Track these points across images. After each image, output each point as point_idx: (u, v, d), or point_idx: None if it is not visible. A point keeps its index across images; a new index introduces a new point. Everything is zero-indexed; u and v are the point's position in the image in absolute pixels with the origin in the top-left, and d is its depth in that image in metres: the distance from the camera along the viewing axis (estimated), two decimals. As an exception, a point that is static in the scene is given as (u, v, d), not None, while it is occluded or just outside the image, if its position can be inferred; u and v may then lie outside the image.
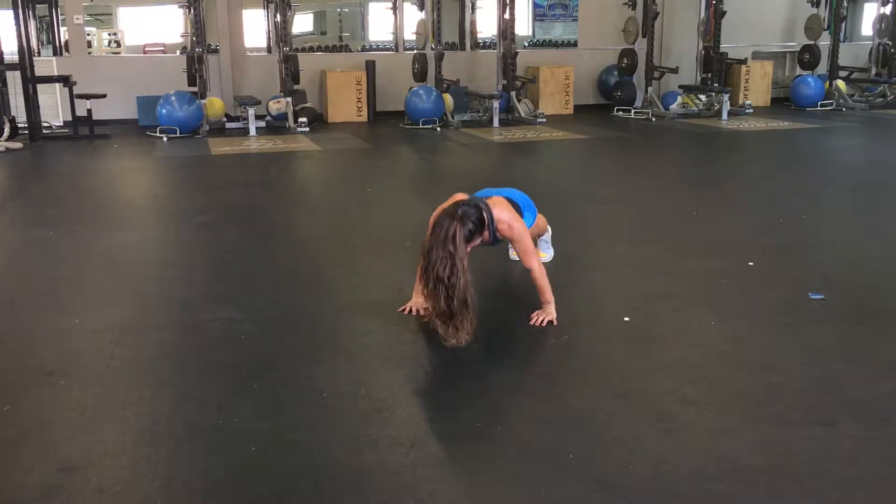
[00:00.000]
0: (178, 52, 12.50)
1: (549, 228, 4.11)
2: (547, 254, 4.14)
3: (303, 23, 16.68)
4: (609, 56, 12.33)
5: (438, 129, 10.25)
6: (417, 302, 3.47)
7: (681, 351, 3.12)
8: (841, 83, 12.38)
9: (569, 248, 4.38)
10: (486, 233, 3.23)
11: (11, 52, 9.37)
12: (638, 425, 2.52)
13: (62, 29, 11.78)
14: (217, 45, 11.16)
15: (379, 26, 15.34)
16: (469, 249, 3.13)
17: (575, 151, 8.94)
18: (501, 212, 3.27)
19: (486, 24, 13.63)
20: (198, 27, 9.93)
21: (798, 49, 12.77)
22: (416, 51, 11.31)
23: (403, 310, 3.50)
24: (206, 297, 3.79)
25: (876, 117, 11.26)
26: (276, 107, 10.33)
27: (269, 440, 2.43)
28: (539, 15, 14.19)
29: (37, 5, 11.13)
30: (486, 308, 3.38)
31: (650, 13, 11.17)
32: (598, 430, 2.49)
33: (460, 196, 3.35)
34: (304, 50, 13.18)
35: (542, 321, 3.33)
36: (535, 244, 3.88)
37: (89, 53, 12.19)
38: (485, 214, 3.20)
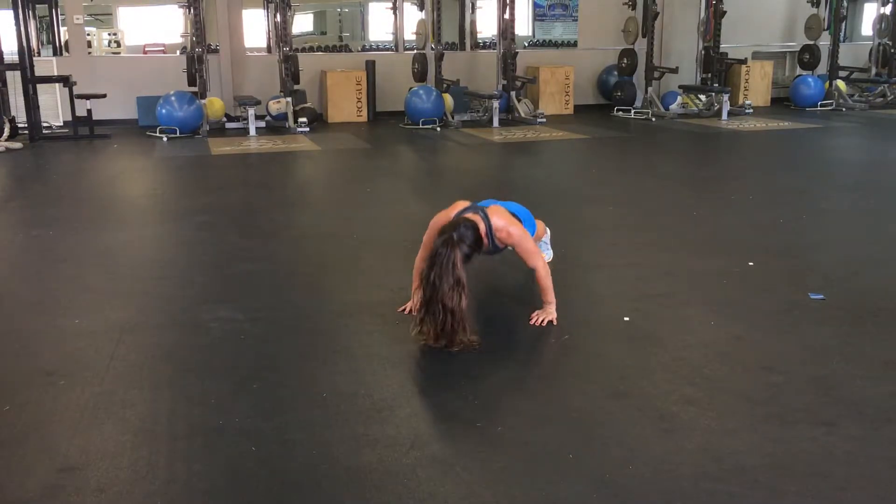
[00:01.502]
0: (178, 52, 12.50)
1: (547, 230, 4.11)
2: (546, 254, 4.14)
3: (303, 23, 16.68)
4: (609, 56, 12.33)
5: (438, 129, 10.25)
6: (418, 302, 3.47)
7: (681, 351, 3.12)
8: (841, 83, 12.38)
9: (569, 248, 4.38)
10: (486, 241, 3.20)
11: (11, 52, 9.37)
12: (638, 425, 2.52)
13: (62, 29, 11.77)
14: (217, 45, 11.16)
15: (379, 26, 15.34)
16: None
17: (575, 151, 8.93)
18: (498, 220, 3.24)
19: (486, 24, 13.63)
20: (198, 27, 9.93)
21: (798, 49, 12.79)
22: (416, 51, 11.31)
23: (403, 310, 3.50)
24: (206, 297, 3.79)
25: (876, 117, 11.26)
26: (276, 107, 10.33)
27: (269, 440, 2.43)
28: (539, 15, 14.17)
29: (37, 5, 11.12)
30: (487, 308, 3.38)
31: (650, 13, 11.18)
32: (598, 430, 2.49)
33: (462, 203, 3.33)
34: (304, 50, 13.18)
35: (542, 321, 3.33)
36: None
37: (89, 53, 12.18)
38: (482, 225, 3.18)
